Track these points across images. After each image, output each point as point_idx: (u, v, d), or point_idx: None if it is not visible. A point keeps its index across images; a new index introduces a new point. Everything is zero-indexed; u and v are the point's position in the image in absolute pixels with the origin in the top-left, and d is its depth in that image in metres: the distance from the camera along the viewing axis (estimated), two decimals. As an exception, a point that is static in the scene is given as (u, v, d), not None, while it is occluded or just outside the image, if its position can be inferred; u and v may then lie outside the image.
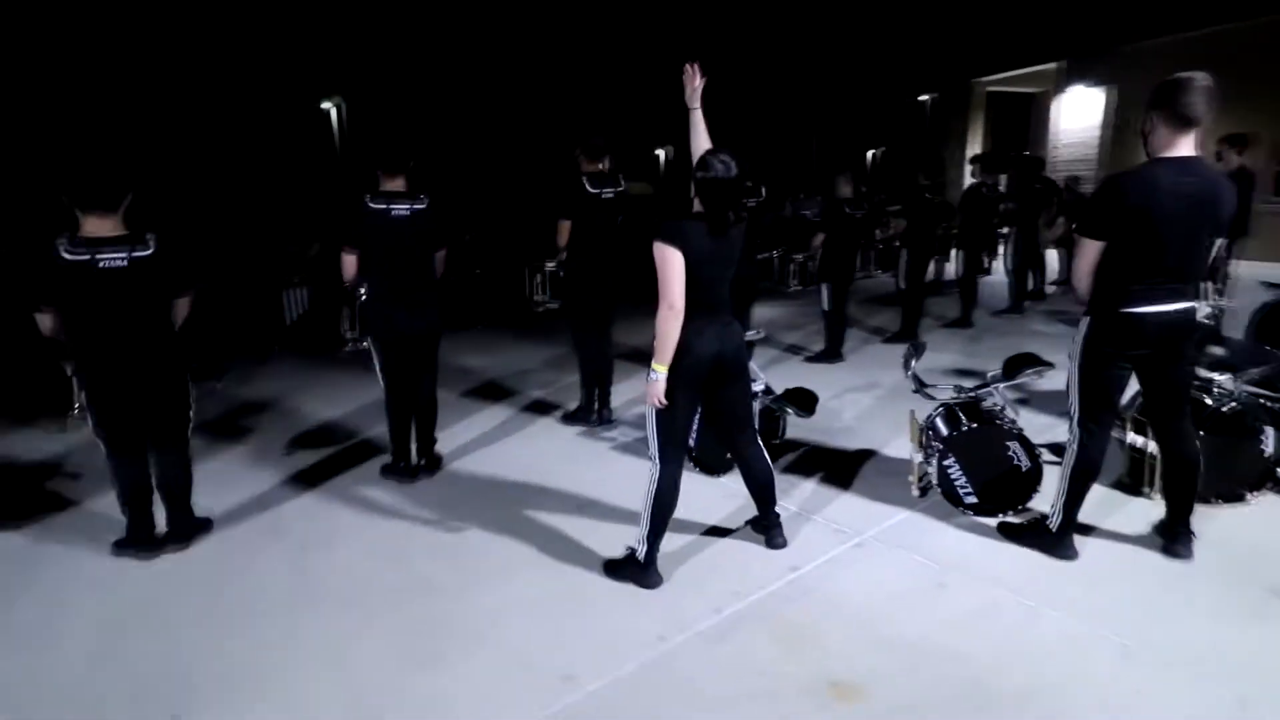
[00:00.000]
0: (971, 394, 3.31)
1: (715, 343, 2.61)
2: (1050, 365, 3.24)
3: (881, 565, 2.89)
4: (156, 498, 3.15)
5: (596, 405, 4.65)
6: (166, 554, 3.12)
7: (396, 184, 3.55)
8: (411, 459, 3.89)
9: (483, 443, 4.38)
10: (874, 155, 17.27)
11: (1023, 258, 7.72)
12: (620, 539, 2.99)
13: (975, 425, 3.13)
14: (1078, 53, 13.40)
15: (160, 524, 3.19)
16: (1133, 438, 3.31)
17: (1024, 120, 15.91)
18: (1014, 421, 3.20)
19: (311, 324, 7.01)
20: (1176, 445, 2.75)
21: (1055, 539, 2.84)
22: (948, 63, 15.44)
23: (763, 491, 2.98)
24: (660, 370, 2.51)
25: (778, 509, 3.03)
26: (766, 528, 3.03)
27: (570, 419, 4.73)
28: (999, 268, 8.37)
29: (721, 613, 2.59)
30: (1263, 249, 6.90)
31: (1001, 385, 3.28)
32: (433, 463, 3.97)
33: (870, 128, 16.88)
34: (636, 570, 2.78)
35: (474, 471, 3.97)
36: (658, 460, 2.69)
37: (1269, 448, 3.10)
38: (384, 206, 3.50)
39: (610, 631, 2.53)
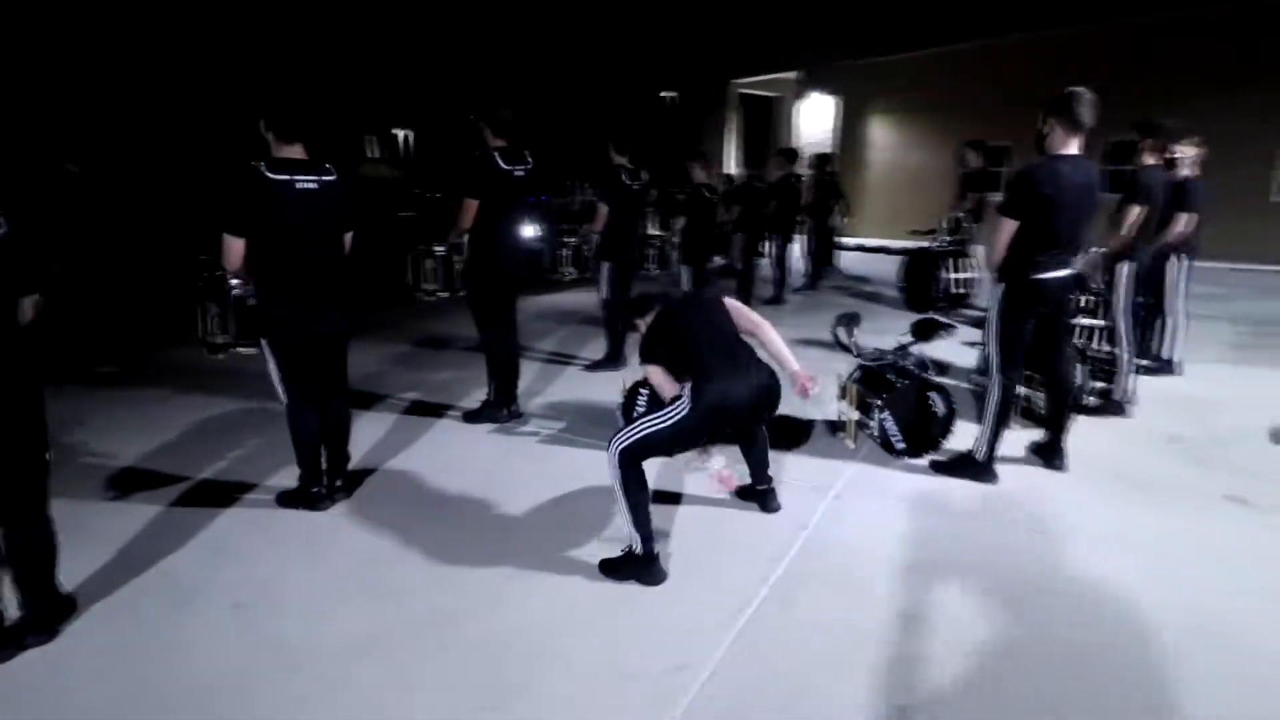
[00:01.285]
0: (893, 355, 3.84)
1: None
2: (954, 327, 3.89)
3: (867, 511, 3.22)
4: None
5: (504, 399, 4.40)
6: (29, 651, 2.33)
7: (294, 151, 2.95)
8: (323, 482, 3.32)
9: (386, 453, 3.90)
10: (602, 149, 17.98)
11: (818, 242, 8.89)
12: (597, 532, 2.95)
13: (907, 381, 3.66)
14: (811, 64, 15.53)
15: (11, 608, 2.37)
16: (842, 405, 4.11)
17: (768, 121, 18.01)
18: (931, 374, 3.80)
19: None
20: (1059, 380, 3.51)
21: (983, 468, 3.44)
22: (705, 63, 16.87)
23: (761, 459, 3.17)
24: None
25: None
26: (763, 494, 3.19)
27: (475, 416, 4.40)
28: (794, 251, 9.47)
29: (769, 580, 2.69)
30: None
31: (915, 345, 3.86)
32: (349, 483, 3.43)
33: (622, 123, 17.58)
34: (638, 566, 2.70)
35: (401, 486, 3.52)
36: (620, 458, 2.66)
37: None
38: (287, 178, 2.89)
39: (680, 620, 2.48)
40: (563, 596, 2.63)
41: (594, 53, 15.55)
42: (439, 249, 8.02)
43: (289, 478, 3.35)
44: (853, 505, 3.28)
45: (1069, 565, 2.78)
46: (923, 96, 14.68)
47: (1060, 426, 3.57)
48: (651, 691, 2.15)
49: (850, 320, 3.96)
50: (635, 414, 3.59)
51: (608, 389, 4.84)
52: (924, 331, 3.85)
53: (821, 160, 9.23)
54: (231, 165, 2.99)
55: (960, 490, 3.39)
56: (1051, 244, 3.17)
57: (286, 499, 3.31)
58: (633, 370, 5.15)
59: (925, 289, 7.27)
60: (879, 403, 3.62)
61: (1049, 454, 3.61)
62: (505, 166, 4.05)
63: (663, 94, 17.69)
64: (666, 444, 2.74)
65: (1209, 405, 4.44)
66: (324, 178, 2.99)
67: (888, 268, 9.09)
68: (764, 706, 2.10)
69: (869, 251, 11.94)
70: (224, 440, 4.03)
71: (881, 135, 15.13)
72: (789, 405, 4.24)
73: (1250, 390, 4.81)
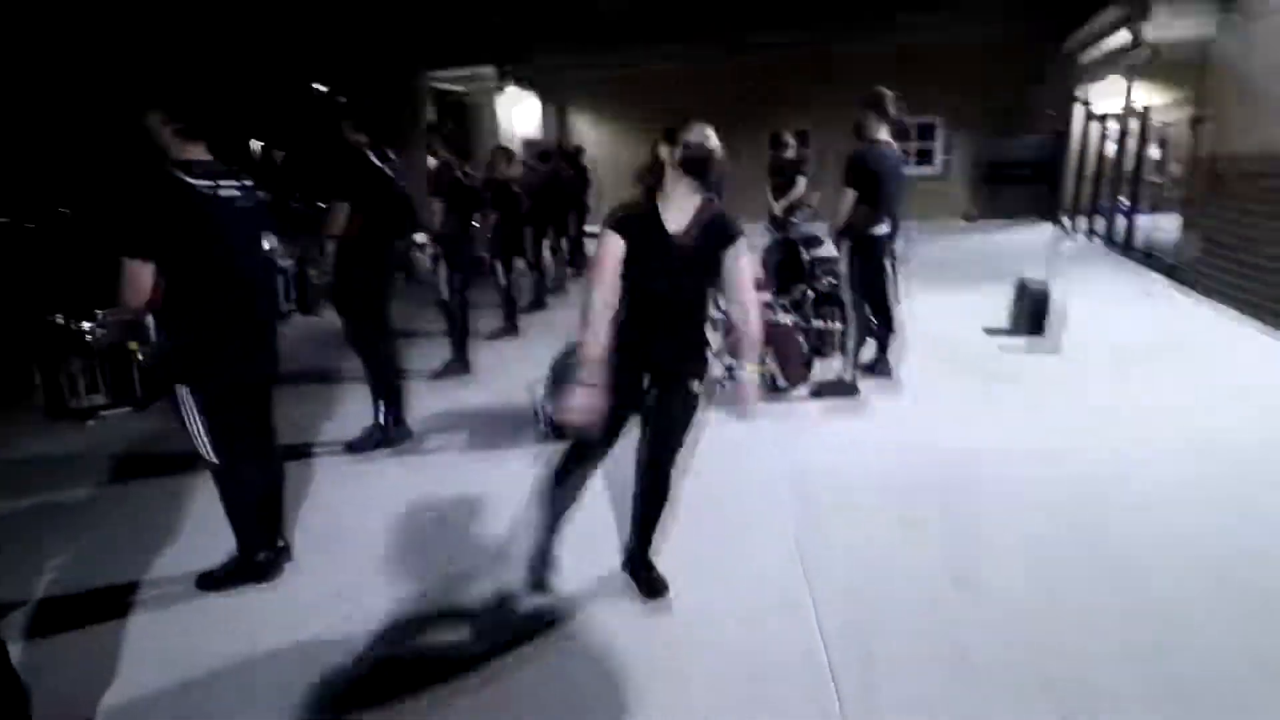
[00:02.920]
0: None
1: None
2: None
3: (816, 443, 3.83)
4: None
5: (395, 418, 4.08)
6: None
7: (199, 151, 2.45)
8: (272, 545, 2.83)
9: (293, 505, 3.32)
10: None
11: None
12: (584, 546, 2.77)
13: (780, 326, 4.45)
14: (509, 61, 15.91)
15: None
16: (816, 323, 5.16)
17: (464, 118, 17.92)
18: (800, 322, 4.67)
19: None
20: (886, 310, 4.60)
21: (852, 386, 4.39)
22: (391, 56, 16.14)
23: None
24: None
25: None
26: None
27: (360, 445, 4.00)
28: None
29: (823, 526, 3.01)
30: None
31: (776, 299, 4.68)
32: (285, 548, 2.91)
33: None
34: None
35: (339, 541, 3.05)
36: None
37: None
38: (208, 184, 2.40)
39: (759, 574, 2.66)
40: (620, 608, 2.53)
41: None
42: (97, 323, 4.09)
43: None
44: (804, 444, 3.83)
45: (935, 429, 3.86)
46: (631, 98, 16.07)
47: (886, 346, 4.71)
48: (790, 626, 2.40)
49: None
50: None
51: (469, 393, 4.86)
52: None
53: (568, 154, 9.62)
54: (118, 172, 2.43)
55: (849, 405, 4.31)
56: (880, 207, 4.19)
57: (220, 578, 2.75)
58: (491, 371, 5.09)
59: (795, 271, 8.25)
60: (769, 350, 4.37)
61: (881, 368, 4.73)
62: (380, 165, 3.83)
63: (326, 86, 16.41)
64: None
65: (926, 326, 6.11)
66: (244, 183, 2.55)
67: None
68: (869, 594, 2.58)
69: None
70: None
71: (585, 134, 16.20)
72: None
73: (957, 304, 6.70)
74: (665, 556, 2.66)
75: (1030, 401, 4.33)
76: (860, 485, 3.36)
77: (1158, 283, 7.00)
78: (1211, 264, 6.55)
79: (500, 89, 16.06)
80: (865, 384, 4.50)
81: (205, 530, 3.03)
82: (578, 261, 9.62)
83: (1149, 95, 12.27)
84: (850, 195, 4.11)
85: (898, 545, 2.86)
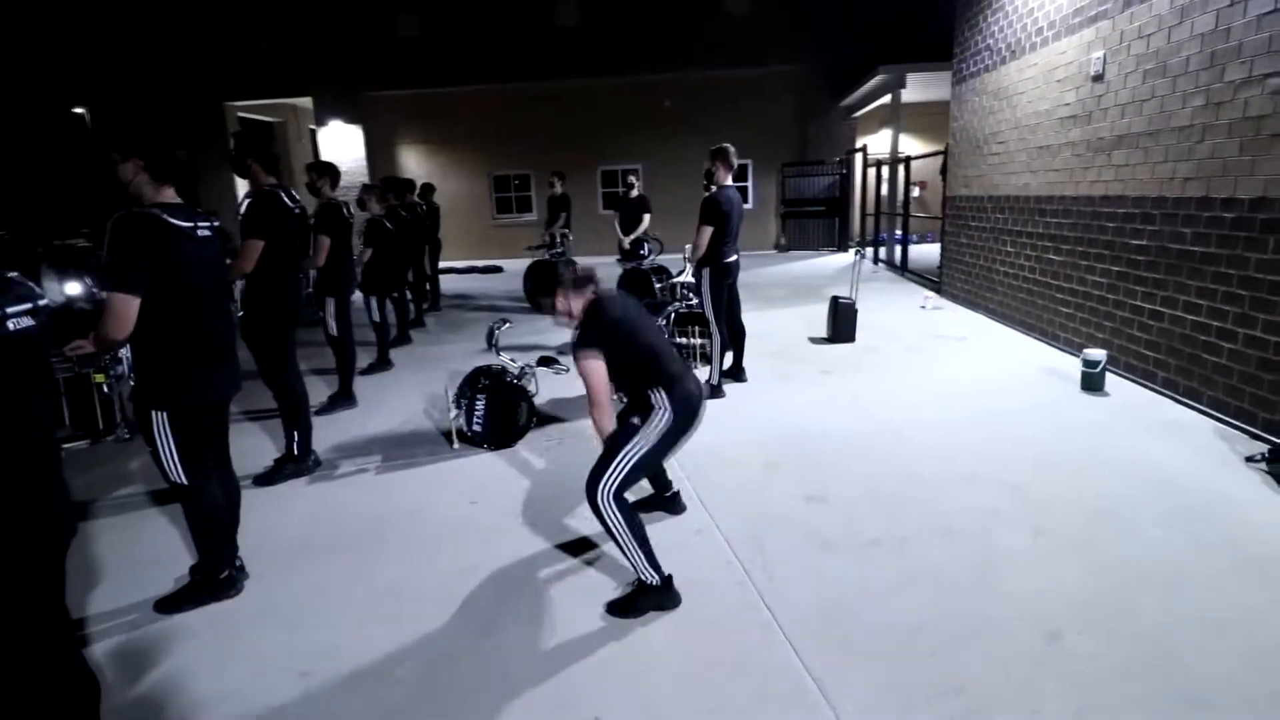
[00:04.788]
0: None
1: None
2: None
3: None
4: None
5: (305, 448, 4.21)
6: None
7: (170, 194, 2.66)
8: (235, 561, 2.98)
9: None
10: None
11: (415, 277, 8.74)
12: (537, 564, 3.03)
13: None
14: (319, 93, 15.54)
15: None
16: (680, 340, 5.97)
17: (271, 146, 17.12)
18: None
19: None
20: (737, 324, 5.47)
21: (718, 388, 5.21)
22: (197, 83, 15.16)
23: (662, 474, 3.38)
24: None
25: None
26: (671, 500, 3.41)
27: (273, 478, 4.05)
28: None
29: (712, 476, 3.75)
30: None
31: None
32: (242, 566, 3.02)
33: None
34: (658, 595, 2.64)
35: (292, 568, 3.14)
36: (613, 498, 2.56)
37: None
38: (189, 224, 2.61)
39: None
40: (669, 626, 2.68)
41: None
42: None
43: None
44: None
45: (783, 410, 4.75)
46: (450, 130, 16.30)
47: (740, 355, 5.61)
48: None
49: (499, 323, 4.97)
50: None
51: (364, 422, 5.07)
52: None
53: (422, 190, 9.84)
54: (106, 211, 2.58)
55: (724, 405, 5.07)
56: (729, 240, 5.08)
57: (184, 598, 2.85)
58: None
59: (649, 297, 8.85)
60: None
61: (736, 374, 5.62)
62: (289, 204, 4.03)
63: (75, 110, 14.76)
64: (653, 464, 2.56)
65: (766, 336, 7.22)
66: (213, 222, 2.77)
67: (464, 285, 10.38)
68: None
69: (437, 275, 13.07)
70: None
71: (413, 164, 16.21)
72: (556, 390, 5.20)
73: (784, 318, 7.89)
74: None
75: (847, 384, 5.46)
76: (734, 449, 4.25)
77: (931, 298, 8.73)
78: (960, 279, 8.34)
79: (323, 120, 15.64)
80: (726, 386, 5.35)
81: (160, 561, 3.13)
82: (434, 297, 9.84)
83: (913, 145, 14.91)
84: (707, 231, 4.96)
85: (766, 482, 3.82)
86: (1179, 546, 3.01)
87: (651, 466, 2.54)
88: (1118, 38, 5.19)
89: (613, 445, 2.56)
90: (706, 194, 5.07)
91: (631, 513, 2.61)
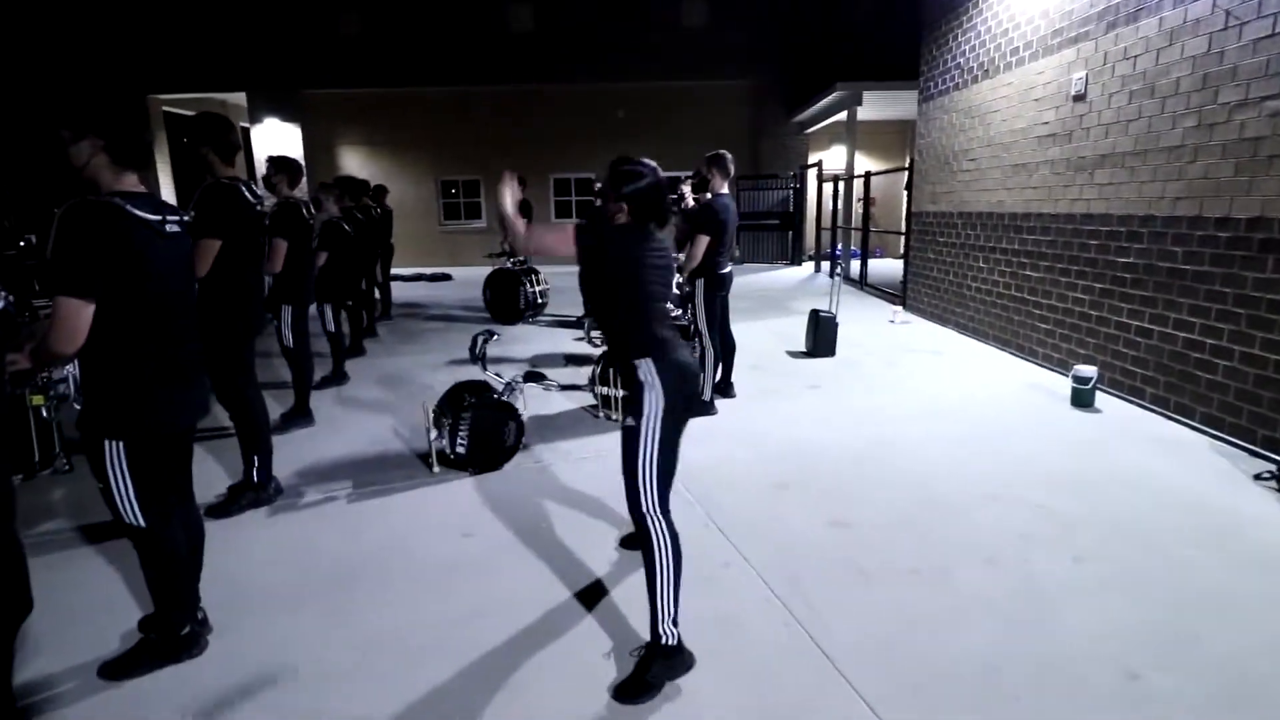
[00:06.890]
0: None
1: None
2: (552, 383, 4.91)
3: (693, 451, 4.32)
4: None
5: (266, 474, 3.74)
6: None
7: (133, 182, 2.23)
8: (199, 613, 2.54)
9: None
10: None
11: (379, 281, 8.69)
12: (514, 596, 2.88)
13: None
14: (253, 88, 14.69)
15: None
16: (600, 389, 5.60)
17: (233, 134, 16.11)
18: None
19: None
20: (728, 338, 5.26)
21: (710, 404, 4.97)
22: (117, 72, 14.05)
23: None
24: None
25: None
26: None
27: (229, 508, 3.58)
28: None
29: (716, 498, 3.54)
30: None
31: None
32: (205, 619, 2.57)
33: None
34: (671, 660, 2.28)
35: (262, 618, 2.77)
36: (660, 509, 2.25)
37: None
38: (156, 218, 2.19)
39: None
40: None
41: None
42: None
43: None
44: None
45: (777, 426, 4.55)
46: (395, 132, 15.66)
47: (729, 370, 5.39)
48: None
49: (488, 335, 4.60)
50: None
51: (325, 443, 4.61)
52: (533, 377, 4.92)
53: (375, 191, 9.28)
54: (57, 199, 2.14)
55: (717, 422, 4.85)
56: (723, 250, 4.87)
57: (136, 660, 2.40)
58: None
59: (512, 302, 8.52)
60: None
61: (725, 389, 5.40)
62: (251, 200, 3.59)
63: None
64: (670, 456, 2.26)
65: (740, 349, 7.04)
66: (183, 217, 2.34)
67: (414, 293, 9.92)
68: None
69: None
70: None
71: (356, 166, 15.48)
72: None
73: (756, 330, 7.73)
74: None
75: (838, 399, 5.33)
76: (736, 468, 4.03)
77: (899, 312, 8.77)
78: (926, 294, 8.40)
79: (258, 118, 14.79)
80: (717, 402, 5.12)
81: (103, 611, 2.61)
82: (385, 305, 9.28)
83: (865, 162, 15.15)
84: (704, 241, 4.73)
85: (780, 505, 3.63)
86: (1215, 568, 2.94)
87: (671, 460, 2.26)
88: (1101, 59, 5.27)
89: (628, 456, 2.26)
90: (698, 202, 4.85)
91: (677, 536, 2.30)
